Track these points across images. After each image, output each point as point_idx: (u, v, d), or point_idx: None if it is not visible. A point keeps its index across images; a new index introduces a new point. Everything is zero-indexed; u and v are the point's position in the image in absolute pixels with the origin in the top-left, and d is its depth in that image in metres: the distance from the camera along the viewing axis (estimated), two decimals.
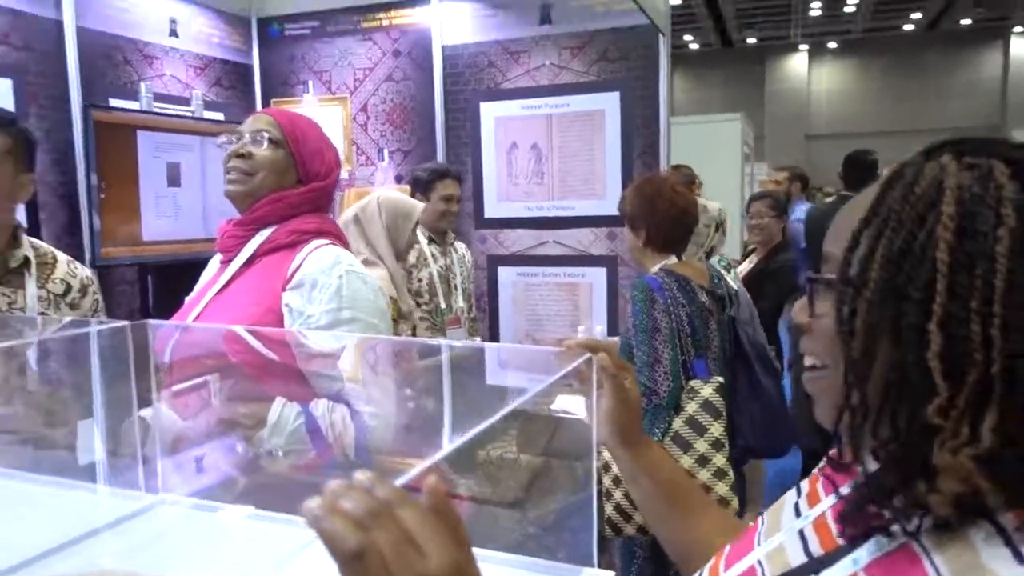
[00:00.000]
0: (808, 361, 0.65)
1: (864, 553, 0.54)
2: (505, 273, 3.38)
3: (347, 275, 1.39)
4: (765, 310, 2.76)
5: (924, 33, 18.95)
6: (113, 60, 2.96)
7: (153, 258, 2.89)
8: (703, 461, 1.84)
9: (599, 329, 3.16)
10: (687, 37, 18.75)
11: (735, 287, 2.19)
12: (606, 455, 1.00)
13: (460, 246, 3.05)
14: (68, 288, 1.64)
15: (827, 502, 0.63)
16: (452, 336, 2.81)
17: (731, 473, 1.86)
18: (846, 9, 16.78)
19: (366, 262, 2.25)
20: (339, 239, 1.52)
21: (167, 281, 2.88)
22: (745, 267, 3.73)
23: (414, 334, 2.55)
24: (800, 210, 5.43)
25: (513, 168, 3.32)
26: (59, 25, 2.72)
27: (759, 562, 0.65)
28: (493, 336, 3.36)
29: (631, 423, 0.91)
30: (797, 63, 20.25)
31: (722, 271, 2.35)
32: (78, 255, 2.06)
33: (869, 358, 0.54)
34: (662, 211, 2.04)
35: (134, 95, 2.98)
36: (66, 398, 1.34)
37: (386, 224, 2.40)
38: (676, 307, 1.93)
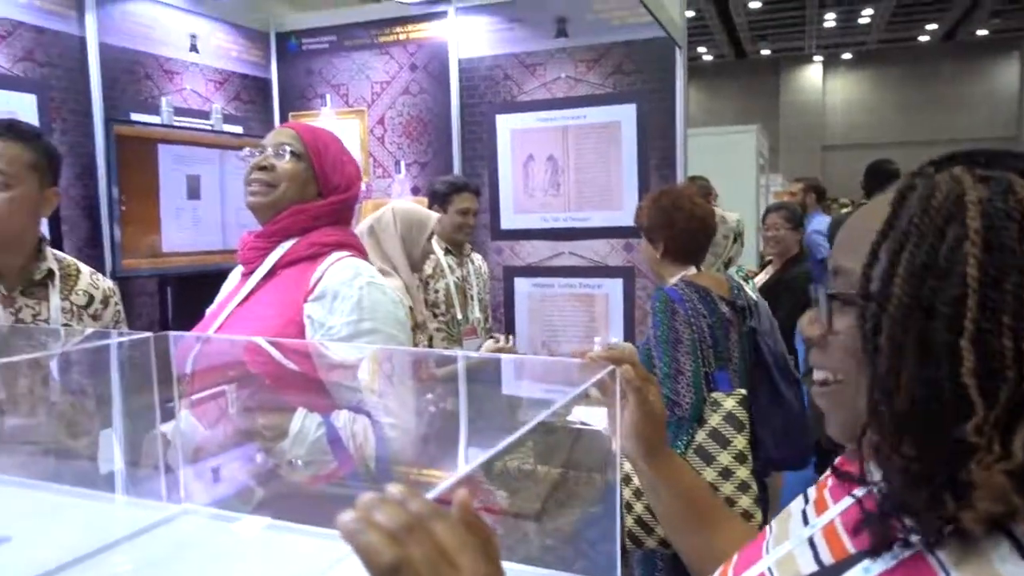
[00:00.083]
0: (819, 375, 0.64)
1: (876, 563, 0.53)
2: (521, 284, 3.38)
3: (368, 287, 1.40)
4: (781, 321, 2.74)
5: (939, 44, 18.87)
6: (135, 75, 3.00)
7: (173, 270, 2.92)
8: (727, 474, 1.82)
9: (614, 340, 3.14)
10: (700, 49, 18.76)
11: (754, 298, 2.18)
12: (627, 467, 0.99)
13: (476, 257, 3.06)
14: (91, 300, 1.66)
15: (836, 509, 0.63)
16: (468, 347, 2.81)
17: (754, 486, 1.84)
18: (861, 20, 16.74)
19: (381, 272, 2.26)
20: (360, 251, 1.53)
21: (186, 292, 2.91)
22: (761, 278, 3.71)
23: (430, 344, 2.55)
24: (816, 221, 5.40)
25: (529, 180, 3.32)
26: (82, 42, 2.77)
27: (768, 570, 0.65)
28: None
29: (655, 435, 0.90)
30: (812, 74, 20.20)
31: (741, 282, 2.33)
32: (99, 267, 2.09)
33: (895, 375, 0.53)
34: (681, 222, 2.03)
35: (155, 109, 3.02)
36: (88, 409, 1.35)
37: (401, 234, 2.41)
38: (697, 318, 1.91)
